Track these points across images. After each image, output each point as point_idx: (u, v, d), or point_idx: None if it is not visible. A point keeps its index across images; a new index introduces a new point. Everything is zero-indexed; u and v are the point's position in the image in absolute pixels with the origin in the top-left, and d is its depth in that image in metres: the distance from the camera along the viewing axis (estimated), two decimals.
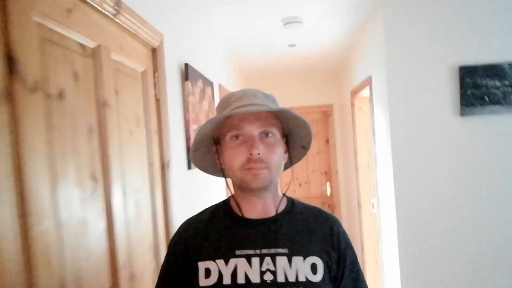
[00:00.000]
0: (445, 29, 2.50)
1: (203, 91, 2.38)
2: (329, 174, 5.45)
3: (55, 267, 0.91)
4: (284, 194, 1.02)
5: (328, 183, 5.43)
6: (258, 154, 0.86)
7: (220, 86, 3.13)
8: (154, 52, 1.64)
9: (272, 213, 0.95)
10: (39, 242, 0.85)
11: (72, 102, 1.01)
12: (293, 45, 3.72)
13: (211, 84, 2.66)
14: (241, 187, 0.93)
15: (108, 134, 1.19)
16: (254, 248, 0.89)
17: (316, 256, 0.90)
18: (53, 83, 0.94)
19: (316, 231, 0.95)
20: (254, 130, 0.89)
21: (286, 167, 1.02)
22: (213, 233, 0.94)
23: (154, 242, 1.56)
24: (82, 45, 1.09)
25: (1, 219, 0.75)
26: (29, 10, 0.86)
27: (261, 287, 0.86)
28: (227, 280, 0.86)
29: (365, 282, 0.99)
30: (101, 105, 1.16)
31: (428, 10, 2.51)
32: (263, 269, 0.87)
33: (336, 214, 5.28)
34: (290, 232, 0.93)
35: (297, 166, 5.45)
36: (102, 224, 1.15)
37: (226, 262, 0.88)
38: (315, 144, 5.35)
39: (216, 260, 0.89)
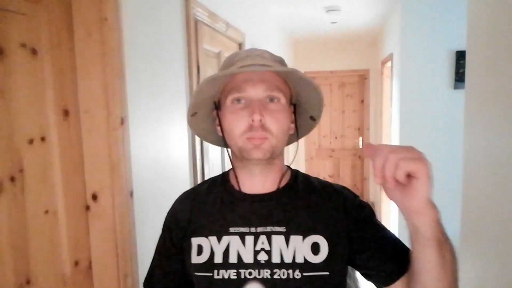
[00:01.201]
0: (447, 20, 3.31)
1: None
2: (362, 130, 6.35)
3: None
4: (288, 167, 0.94)
5: (360, 138, 6.35)
6: (260, 120, 0.78)
7: None
8: (240, 46, 2.67)
9: (272, 188, 0.87)
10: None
11: None
12: (335, 22, 4.59)
13: None
14: (240, 157, 0.84)
15: None
16: (249, 226, 0.84)
17: (319, 234, 0.83)
18: (207, 75, 2.01)
19: (320, 207, 0.86)
20: (258, 93, 0.80)
21: (292, 140, 0.94)
22: (208, 208, 0.89)
23: None
24: (214, 53, 2.15)
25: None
26: (202, 41, 1.91)
27: (254, 268, 0.81)
28: (218, 259, 0.82)
29: (398, 241, 0.85)
30: None
31: (435, 3, 3.32)
32: (257, 248, 0.82)
33: (364, 164, 6.25)
34: (290, 209, 0.86)
35: (335, 120, 6.31)
36: None
37: (219, 240, 0.84)
38: (351, 103, 6.26)
39: (209, 237, 0.85)
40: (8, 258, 1.00)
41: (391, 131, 4.07)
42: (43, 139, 1.10)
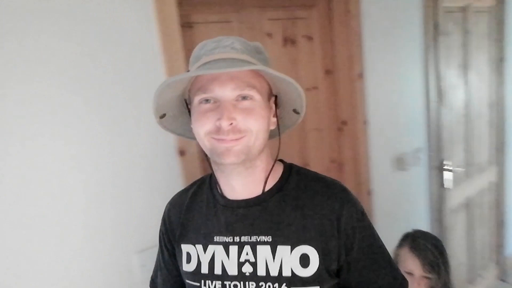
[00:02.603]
0: None
1: None
2: None
3: None
4: (282, 161, 0.88)
5: None
6: (231, 124, 0.72)
7: None
8: None
9: (257, 192, 0.82)
10: None
11: (472, 36, 2.43)
12: None
13: None
14: (214, 160, 0.79)
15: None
16: (233, 235, 0.80)
17: (309, 245, 0.77)
18: (446, 32, 2.36)
19: (311, 212, 0.79)
20: (226, 93, 0.73)
21: (275, 134, 0.86)
22: (194, 213, 0.87)
23: None
24: (459, 7, 2.43)
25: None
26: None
27: (239, 280, 0.78)
28: (204, 269, 0.81)
29: (388, 268, 0.84)
30: (466, 34, 2.51)
31: None
32: (242, 260, 0.78)
33: None
34: (277, 216, 0.79)
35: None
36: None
37: (205, 249, 0.82)
38: None
39: (196, 245, 0.83)
40: (296, 150, 1.94)
41: None
42: (315, 88, 1.96)
